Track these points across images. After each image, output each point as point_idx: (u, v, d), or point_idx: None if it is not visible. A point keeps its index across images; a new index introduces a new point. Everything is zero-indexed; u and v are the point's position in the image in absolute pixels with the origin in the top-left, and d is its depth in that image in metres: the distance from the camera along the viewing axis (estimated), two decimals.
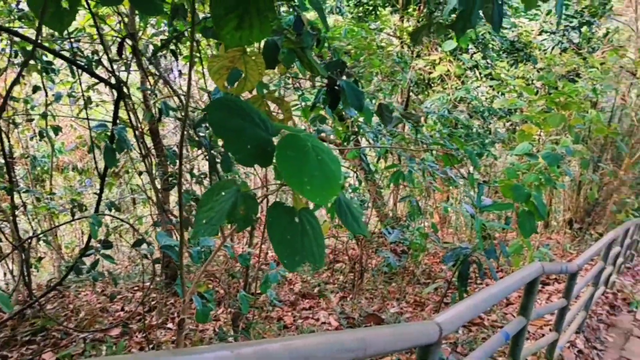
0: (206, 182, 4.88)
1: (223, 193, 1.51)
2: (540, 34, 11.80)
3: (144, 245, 3.65)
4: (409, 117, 3.86)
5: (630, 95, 11.84)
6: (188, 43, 5.10)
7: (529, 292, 3.08)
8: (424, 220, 8.39)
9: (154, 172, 4.91)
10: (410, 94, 10.18)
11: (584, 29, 11.47)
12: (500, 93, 9.60)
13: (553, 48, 11.44)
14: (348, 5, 11.10)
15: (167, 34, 4.94)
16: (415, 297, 6.37)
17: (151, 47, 5.13)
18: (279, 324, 4.87)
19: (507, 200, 4.89)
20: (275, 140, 1.40)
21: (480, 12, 1.65)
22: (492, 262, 4.03)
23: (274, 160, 1.37)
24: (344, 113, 5.27)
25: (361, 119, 5.30)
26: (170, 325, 5.27)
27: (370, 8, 10.92)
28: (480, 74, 10.15)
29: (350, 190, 6.56)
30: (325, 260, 7.91)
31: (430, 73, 9.90)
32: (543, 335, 5.37)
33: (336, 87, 2.46)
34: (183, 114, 3.89)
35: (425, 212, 8.38)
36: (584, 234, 11.21)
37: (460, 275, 3.75)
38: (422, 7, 10.09)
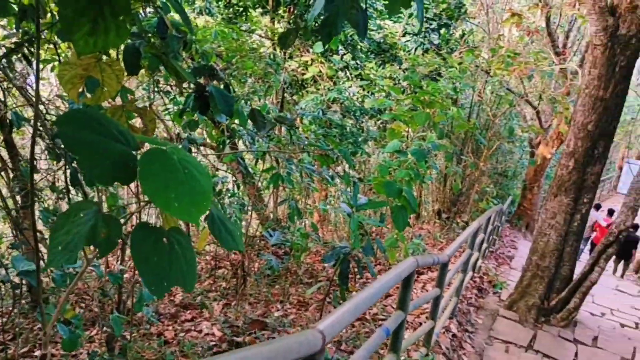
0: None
1: (81, 214, 1.36)
2: (403, 35, 12.43)
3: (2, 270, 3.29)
4: (282, 121, 3.85)
5: (485, 92, 12.85)
6: (47, 46, 4.68)
7: (406, 286, 3.21)
8: (305, 220, 8.49)
9: (11, 186, 4.45)
10: (285, 95, 10.24)
11: (442, 31, 12.27)
12: (370, 93, 9.96)
13: (416, 49, 12.11)
14: (218, 7, 10.91)
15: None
16: (299, 297, 6.41)
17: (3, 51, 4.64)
18: (159, 340, 4.64)
19: (381, 197, 5.07)
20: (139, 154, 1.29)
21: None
22: (369, 257, 4.16)
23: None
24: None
25: (237, 122, 5.22)
26: (37, 352, 4.82)
27: (241, 9, 10.83)
28: (350, 74, 10.47)
29: (229, 195, 6.44)
30: (208, 267, 7.72)
31: (303, 74, 10.03)
32: (421, 323, 5.65)
33: (205, 93, 2.37)
34: (39, 124, 3.56)
35: (305, 212, 8.48)
36: (451, 223, 11.98)
37: (341, 274, 3.82)
38: (292, 9, 10.19)
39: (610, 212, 14.22)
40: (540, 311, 6.84)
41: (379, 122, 11.01)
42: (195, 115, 4.06)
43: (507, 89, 12.42)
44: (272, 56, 8.88)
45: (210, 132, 4.68)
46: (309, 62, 9.86)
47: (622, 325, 8.29)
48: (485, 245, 8.44)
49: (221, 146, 4.50)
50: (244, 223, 6.74)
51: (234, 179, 6.88)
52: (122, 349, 3.80)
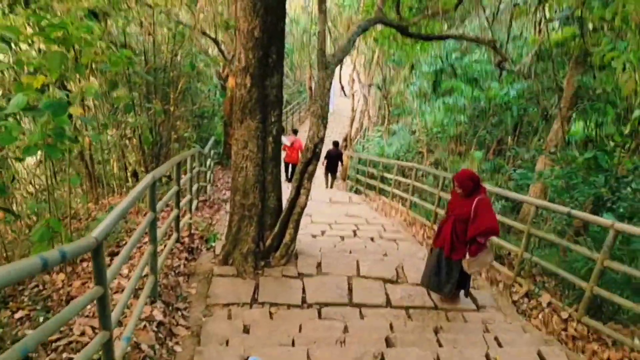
0: None
1: None
2: None
3: None
4: None
5: (158, 29, 11.38)
6: None
7: None
8: None
9: None
10: None
11: None
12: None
13: None
14: None
15: None
16: None
17: None
18: None
19: None
20: None
21: None
22: None
23: None
24: None
25: None
26: None
27: None
28: None
29: None
30: None
31: None
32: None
33: None
34: None
35: None
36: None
37: None
38: None
39: (295, 132, 14.74)
40: (258, 256, 6.01)
41: None
42: None
43: (178, 22, 11.15)
44: None
45: None
46: None
47: (342, 238, 8.13)
48: (188, 197, 7.23)
49: None
50: None
51: None
52: None
